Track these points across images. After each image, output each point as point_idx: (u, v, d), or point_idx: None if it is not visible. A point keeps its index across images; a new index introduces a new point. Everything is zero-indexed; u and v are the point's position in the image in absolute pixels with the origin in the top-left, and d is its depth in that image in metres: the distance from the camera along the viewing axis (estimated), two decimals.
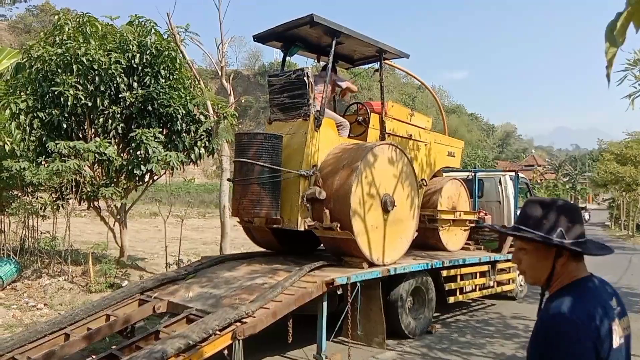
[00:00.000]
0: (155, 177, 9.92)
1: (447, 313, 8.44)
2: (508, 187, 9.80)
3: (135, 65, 9.09)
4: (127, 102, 9.04)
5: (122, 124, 9.14)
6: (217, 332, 4.51)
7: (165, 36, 9.62)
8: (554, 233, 1.66)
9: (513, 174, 9.94)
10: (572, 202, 1.75)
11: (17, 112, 8.49)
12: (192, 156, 9.65)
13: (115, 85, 8.91)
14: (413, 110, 8.64)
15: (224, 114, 9.26)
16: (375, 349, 6.24)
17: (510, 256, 9.03)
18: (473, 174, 9.94)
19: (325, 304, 5.60)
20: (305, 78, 6.47)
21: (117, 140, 9.38)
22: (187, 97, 9.30)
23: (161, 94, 9.03)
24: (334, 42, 6.77)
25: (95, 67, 8.69)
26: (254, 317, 4.76)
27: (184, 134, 9.54)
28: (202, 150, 9.70)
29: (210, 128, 9.49)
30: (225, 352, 4.58)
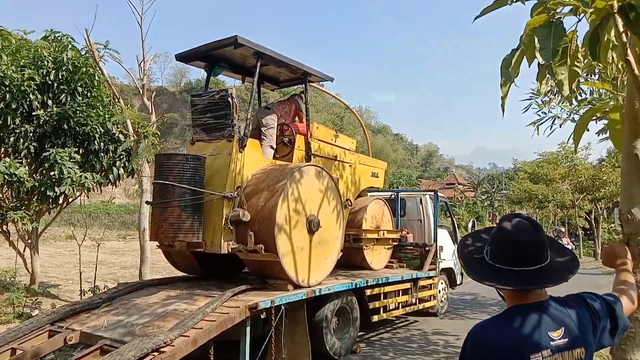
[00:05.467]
0: (70, 199, 9.42)
1: (371, 332, 8.55)
2: (428, 206, 10.16)
3: (50, 82, 8.67)
4: (41, 120, 8.58)
5: (34, 143, 8.65)
6: None
7: (83, 52, 9.25)
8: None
9: (433, 193, 10.33)
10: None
11: None
12: (111, 177, 9.25)
13: (28, 102, 8.44)
14: (339, 131, 8.79)
15: (145, 133, 8.99)
16: None
17: (431, 273, 9.35)
18: (395, 194, 10.21)
19: (248, 329, 5.48)
20: (229, 98, 6.41)
21: (29, 161, 8.85)
22: (106, 116, 8.95)
23: (78, 112, 8.64)
24: (258, 64, 6.78)
25: (7, 83, 8.19)
26: (173, 345, 4.57)
27: (102, 154, 9.15)
28: (121, 170, 9.32)
29: (130, 147, 9.16)
30: None
